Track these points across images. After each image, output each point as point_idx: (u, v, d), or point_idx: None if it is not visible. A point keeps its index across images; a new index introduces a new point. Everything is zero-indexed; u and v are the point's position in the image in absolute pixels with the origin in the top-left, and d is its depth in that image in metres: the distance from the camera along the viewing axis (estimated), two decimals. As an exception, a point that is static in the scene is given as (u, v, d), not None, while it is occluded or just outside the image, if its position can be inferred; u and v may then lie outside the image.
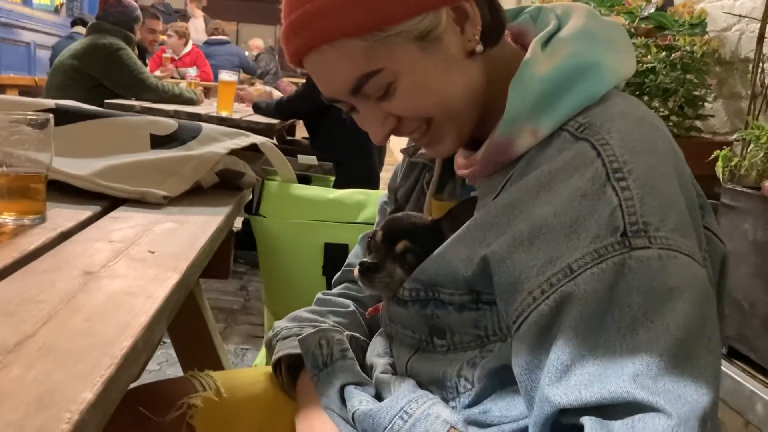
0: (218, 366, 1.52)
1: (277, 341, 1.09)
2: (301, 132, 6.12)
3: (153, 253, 0.99)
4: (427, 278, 0.88)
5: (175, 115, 3.49)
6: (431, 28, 0.84)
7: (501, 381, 0.84)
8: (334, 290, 1.22)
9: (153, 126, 1.59)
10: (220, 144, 1.57)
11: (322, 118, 4.24)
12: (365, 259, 0.96)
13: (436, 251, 0.88)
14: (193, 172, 1.45)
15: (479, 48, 0.89)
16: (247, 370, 1.24)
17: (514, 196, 0.83)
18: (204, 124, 1.65)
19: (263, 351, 1.65)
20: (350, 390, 0.93)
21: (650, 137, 0.83)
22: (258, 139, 1.64)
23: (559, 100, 0.84)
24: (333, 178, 1.77)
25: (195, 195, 1.44)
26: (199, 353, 1.47)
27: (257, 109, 4.29)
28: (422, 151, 1.13)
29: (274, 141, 1.69)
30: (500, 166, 0.88)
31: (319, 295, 1.22)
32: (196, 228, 1.18)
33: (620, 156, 0.78)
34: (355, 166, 3.38)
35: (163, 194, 1.34)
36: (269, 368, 1.12)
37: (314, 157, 1.74)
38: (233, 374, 1.21)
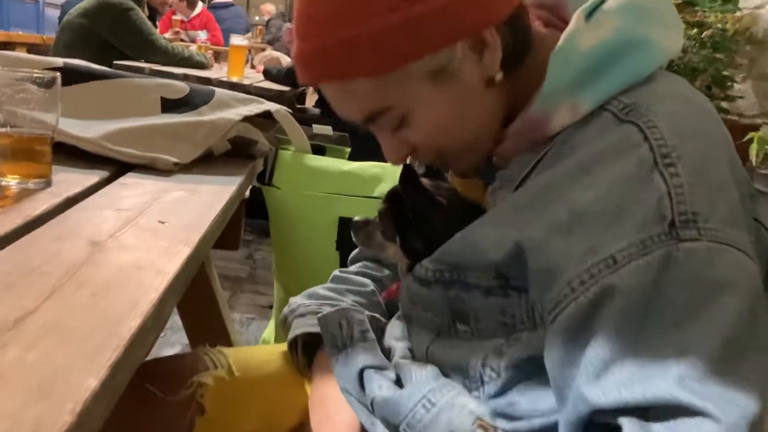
0: (227, 341, 1.48)
1: (294, 318, 1.04)
2: (310, 101, 6.05)
3: (163, 223, 0.94)
4: (452, 259, 0.83)
5: (185, 78, 3.42)
6: (445, 64, 0.80)
7: (529, 372, 0.79)
8: (352, 268, 1.18)
9: (164, 89, 1.52)
10: (233, 110, 1.51)
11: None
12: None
13: (464, 232, 0.83)
14: (205, 139, 1.39)
15: (499, 76, 0.83)
16: (261, 348, 1.20)
17: (551, 178, 0.77)
18: (216, 89, 1.59)
19: (272, 325, 1.61)
20: (370, 374, 0.89)
21: (700, 120, 0.77)
22: (272, 106, 1.58)
23: (603, 77, 0.79)
24: (348, 150, 1.71)
25: (206, 162, 1.39)
26: (208, 327, 1.42)
27: (268, 75, 4.22)
28: None
29: (288, 109, 1.62)
30: (532, 144, 0.83)
31: (336, 272, 1.17)
32: (208, 197, 1.13)
33: (669, 140, 0.72)
34: (367, 136, 3.31)
35: (173, 160, 1.28)
36: (284, 346, 1.08)
37: (329, 128, 1.68)
38: (246, 351, 1.17)
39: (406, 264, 0.94)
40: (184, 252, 0.84)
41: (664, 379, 0.63)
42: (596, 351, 0.67)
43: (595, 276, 0.69)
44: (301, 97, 5.60)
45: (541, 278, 0.74)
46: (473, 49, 0.81)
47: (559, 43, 0.80)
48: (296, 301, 1.08)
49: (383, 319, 1.03)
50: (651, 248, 0.68)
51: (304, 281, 1.48)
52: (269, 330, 1.60)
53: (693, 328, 0.65)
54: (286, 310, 1.08)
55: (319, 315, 0.97)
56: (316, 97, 4.95)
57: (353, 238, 0.98)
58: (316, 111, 4.68)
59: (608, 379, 0.66)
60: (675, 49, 0.85)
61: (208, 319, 1.41)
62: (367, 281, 1.12)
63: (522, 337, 0.81)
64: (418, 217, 0.92)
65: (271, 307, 3.26)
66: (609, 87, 0.78)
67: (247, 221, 3.91)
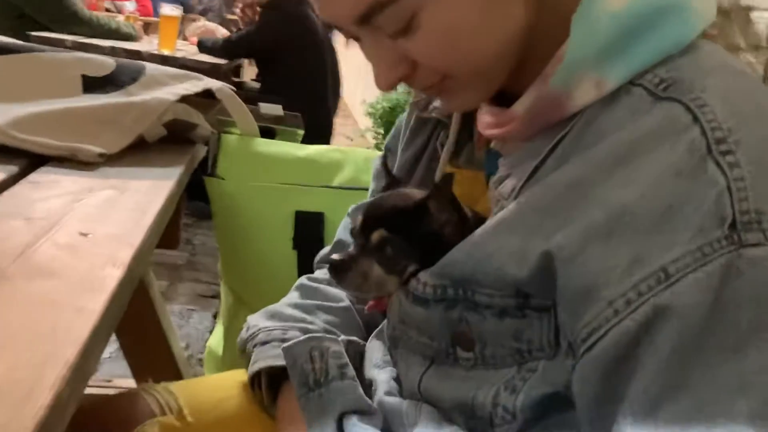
0: (175, 374, 1.29)
1: (255, 346, 0.87)
2: (248, 74, 5.77)
3: (86, 235, 0.75)
4: (459, 274, 0.69)
5: (112, 52, 3.14)
6: None
7: (551, 412, 0.66)
8: (320, 274, 1.01)
9: (86, 65, 1.31)
10: (168, 89, 1.31)
11: (275, 59, 3.94)
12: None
13: (472, 239, 0.70)
14: (136, 123, 1.19)
15: None
16: (216, 379, 1.03)
17: (579, 172, 0.64)
18: (147, 64, 1.38)
19: (220, 331, 1.44)
20: (351, 421, 0.73)
21: (757, 97, 0.64)
22: (213, 83, 1.39)
23: (635, 45, 0.65)
24: (301, 132, 1.53)
25: (137, 152, 1.19)
26: (153, 358, 1.23)
27: (202, 47, 3.97)
28: (437, 104, 0.92)
29: (231, 87, 1.43)
30: (546, 126, 0.70)
31: (303, 280, 1.00)
32: (142, 197, 0.94)
33: (723, 122, 0.59)
34: (309, 113, 3.12)
35: (98, 151, 1.08)
36: (242, 374, 0.91)
37: (279, 107, 1.49)
38: (198, 385, 0.99)
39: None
40: (113, 277, 0.66)
41: (731, 418, 0.51)
42: (644, 384, 0.55)
43: (643, 294, 0.56)
44: (237, 71, 5.34)
45: (574, 297, 0.61)
46: None
47: (583, 2, 0.66)
48: (255, 322, 0.91)
49: (361, 342, 0.87)
50: (710, 257, 0.55)
51: (257, 286, 1.31)
52: (216, 337, 1.42)
53: (759, 352, 0.53)
54: (244, 333, 0.91)
55: (285, 345, 0.80)
56: (255, 70, 4.70)
57: (336, 283, 0.80)
58: (255, 85, 4.45)
59: (658, 418, 0.53)
60: (712, 15, 0.71)
61: (153, 352, 1.22)
62: (340, 294, 0.96)
63: (538, 367, 0.68)
64: (447, 240, 0.75)
65: (214, 297, 3.07)
66: (642, 58, 0.65)
67: (185, 203, 3.67)
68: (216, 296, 3.04)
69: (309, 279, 1.01)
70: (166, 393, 0.85)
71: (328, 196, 1.29)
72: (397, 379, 0.80)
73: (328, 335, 0.82)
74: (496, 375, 0.70)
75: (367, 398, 0.77)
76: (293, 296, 0.98)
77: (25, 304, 0.58)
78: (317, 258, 1.09)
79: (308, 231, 1.26)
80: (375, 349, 0.85)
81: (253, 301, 1.30)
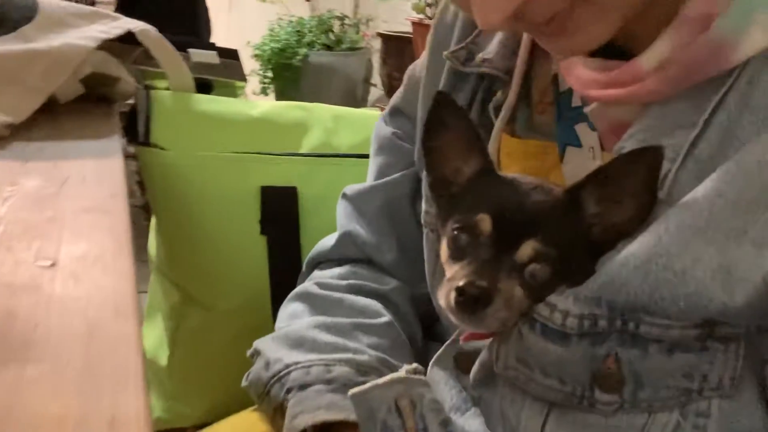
0: None
1: (290, 392, 0.64)
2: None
3: (51, 266, 0.49)
4: (626, 299, 0.52)
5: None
6: None
7: None
8: (330, 277, 0.79)
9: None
10: (78, 32, 1.00)
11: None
12: (464, 280, 0.55)
13: (645, 249, 0.51)
14: (46, 80, 0.90)
15: None
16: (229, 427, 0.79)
17: None
18: (39, -2, 1.05)
19: (158, 334, 1.16)
20: None
21: None
22: (134, 24, 1.08)
23: None
24: (243, 84, 1.25)
25: (45, 117, 0.89)
26: None
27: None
28: (485, 55, 0.71)
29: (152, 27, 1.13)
30: (695, 83, 0.55)
31: (310, 286, 0.78)
32: (94, 190, 0.66)
33: None
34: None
35: (4, 120, 0.78)
36: (259, 421, 0.68)
37: (213, 53, 1.20)
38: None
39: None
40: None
41: None
42: None
43: None
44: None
45: None
46: None
47: None
48: (277, 354, 0.68)
49: (420, 367, 0.67)
50: None
51: (214, 280, 1.05)
52: (152, 341, 1.15)
53: None
54: (262, 370, 0.68)
55: (355, 391, 0.58)
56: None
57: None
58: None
59: None
60: None
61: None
62: (377, 305, 0.75)
63: (710, 409, 0.54)
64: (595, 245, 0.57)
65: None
66: None
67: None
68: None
69: (320, 286, 0.78)
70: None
71: (298, 166, 1.05)
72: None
73: (416, 376, 0.61)
74: (649, 421, 0.53)
75: None
76: (303, 311, 0.75)
77: None
78: (313, 254, 0.86)
79: (279, 210, 1.01)
80: (441, 383, 0.65)
81: (209, 298, 1.05)
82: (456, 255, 0.58)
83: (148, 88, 1.08)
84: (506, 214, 0.57)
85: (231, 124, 1.06)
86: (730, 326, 0.51)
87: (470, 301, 0.54)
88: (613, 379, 0.54)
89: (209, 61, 1.20)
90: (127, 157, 1.07)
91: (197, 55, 1.19)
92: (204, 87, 1.17)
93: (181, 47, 1.20)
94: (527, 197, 0.58)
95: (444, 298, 0.56)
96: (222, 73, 1.20)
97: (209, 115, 1.06)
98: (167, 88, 1.11)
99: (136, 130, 1.03)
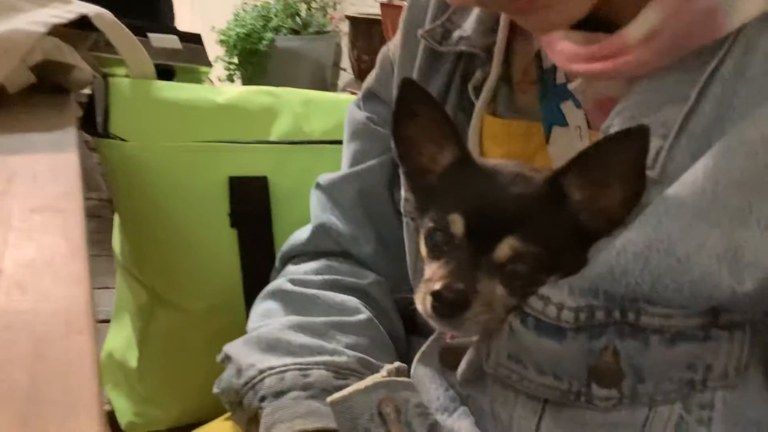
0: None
1: (264, 399, 0.60)
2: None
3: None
4: (625, 288, 0.49)
5: None
6: None
7: None
8: (304, 272, 0.75)
9: None
10: (28, 17, 0.94)
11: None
12: (440, 284, 0.52)
13: (644, 235, 0.49)
14: (-8, 69, 0.83)
15: None
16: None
17: None
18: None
19: (126, 334, 1.11)
20: None
21: None
22: (89, 8, 1.02)
23: None
24: (207, 70, 1.19)
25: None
26: None
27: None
28: (463, 33, 0.67)
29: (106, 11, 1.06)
30: (684, 54, 0.53)
31: (283, 283, 0.74)
32: (45, 189, 0.61)
33: None
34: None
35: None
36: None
37: (175, 37, 1.14)
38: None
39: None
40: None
41: None
42: None
43: None
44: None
45: None
46: None
47: None
48: (249, 359, 0.64)
49: (404, 366, 0.63)
50: None
51: (184, 278, 0.99)
52: (119, 341, 1.10)
53: None
54: (234, 377, 0.63)
55: (334, 397, 0.54)
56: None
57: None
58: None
59: None
60: None
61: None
62: (354, 302, 0.70)
63: (714, 401, 0.51)
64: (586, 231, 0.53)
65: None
66: None
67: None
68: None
69: (293, 282, 0.73)
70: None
71: (268, 155, 0.99)
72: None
73: (400, 378, 0.57)
74: (651, 416, 0.51)
75: None
76: (277, 310, 0.71)
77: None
78: (286, 247, 0.81)
79: (249, 202, 0.96)
80: (426, 381, 0.61)
81: (178, 297, 0.99)
82: (433, 254, 0.55)
83: (105, 76, 1.02)
84: (481, 212, 0.54)
85: (195, 111, 1.01)
86: (736, 313, 0.48)
87: (447, 305, 0.51)
88: (612, 373, 0.51)
89: (171, 46, 1.14)
90: (91, 149, 1.01)
91: (158, 40, 1.13)
92: (166, 74, 1.11)
93: (141, 32, 1.14)
94: (504, 191, 0.54)
95: (421, 302, 0.53)
96: (184, 58, 1.14)
97: (172, 102, 1.00)
98: (127, 76, 1.05)
99: (94, 121, 0.97)
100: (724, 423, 0.50)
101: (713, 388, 0.50)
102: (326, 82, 4.17)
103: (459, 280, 0.51)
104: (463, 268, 0.52)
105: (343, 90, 4.05)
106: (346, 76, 4.23)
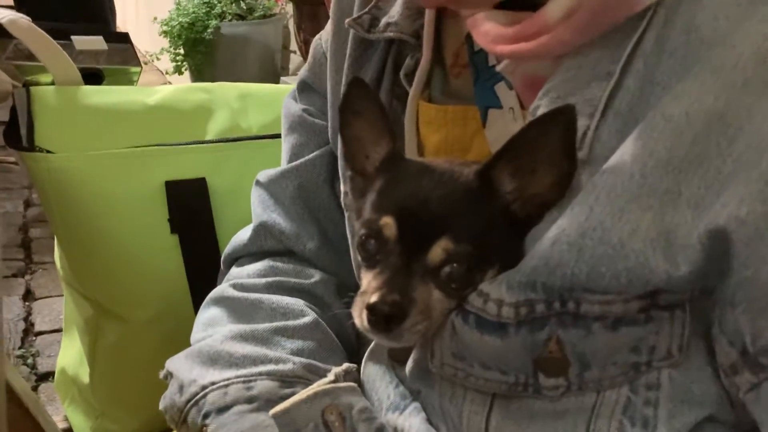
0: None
1: (208, 416, 0.58)
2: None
3: None
4: (562, 280, 0.49)
5: None
6: None
7: None
8: (248, 275, 0.73)
9: None
10: (-65, 29, 0.89)
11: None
12: (375, 296, 0.50)
13: (576, 225, 0.48)
14: None
15: None
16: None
17: (710, 97, 0.46)
18: None
19: (76, 350, 1.08)
20: None
21: None
22: (2, 14, 0.97)
23: None
24: (138, 70, 1.15)
25: None
26: None
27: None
28: (390, 19, 0.66)
29: (26, 17, 1.01)
30: (605, 30, 0.51)
31: (226, 289, 0.72)
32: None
33: None
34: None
35: None
36: None
37: (100, 38, 1.09)
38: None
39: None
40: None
41: None
42: None
43: None
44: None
45: (761, 296, 0.44)
46: None
47: None
48: (191, 375, 0.61)
49: (354, 366, 0.62)
50: None
51: (127, 290, 0.97)
52: (71, 357, 1.07)
53: None
54: (176, 395, 0.61)
55: (277, 410, 0.53)
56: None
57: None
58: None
59: None
60: None
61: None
62: (299, 304, 0.69)
63: (660, 380, 0.50)
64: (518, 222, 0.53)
65: (15, 275, 2.54)
66: None
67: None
68: (18, 275, 2.52)
69: (235, 287, 0.71)
70: None
71: (205, 155, 0.96)
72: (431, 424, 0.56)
73: (342, 383, 0.55)
74: (599, 401, 0.51)
75: None
76: (221, 318, 0.68)
77: None
78: (229, 249, 0.79)
79: (188, 205, 0.93)
80: (377, 379, 0.60)
81: (124, 309, 0.97)
82: (367, 263, 0.53)
83: (27, 85, 0.98)
84: (412, 214, 0.52)
85: (125, 116, 0.97)
86: (674, 293, 0.47)
87: (383, 319, 0.49)
88: (557, 362, 0.50)
89: (96, 47, 1.09)
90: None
91: (81, 42, 1.08)
92: (95, 77, 1.07)
93: (65, 35, 1.09)
94: (434, 191, 0.53)
95: (357, 316, 0.51)
96: (112, 59, 1.10)
97: (100, 108, 0.96)
98: (53, 83, 1.00)
99: (18, 134, 0.93)
100: (671, 401, 0.49)
101: (659, 368, 0.50)
102: (277, 67, 4.10)
103: (394, 291, 0.50)
104: (398, 277, 0.50)
105: (294, 73, 3.98)
106: (297, 58, 4.17)
